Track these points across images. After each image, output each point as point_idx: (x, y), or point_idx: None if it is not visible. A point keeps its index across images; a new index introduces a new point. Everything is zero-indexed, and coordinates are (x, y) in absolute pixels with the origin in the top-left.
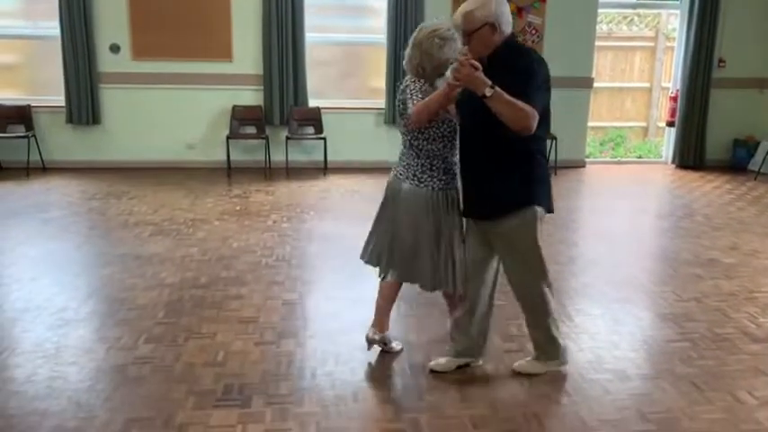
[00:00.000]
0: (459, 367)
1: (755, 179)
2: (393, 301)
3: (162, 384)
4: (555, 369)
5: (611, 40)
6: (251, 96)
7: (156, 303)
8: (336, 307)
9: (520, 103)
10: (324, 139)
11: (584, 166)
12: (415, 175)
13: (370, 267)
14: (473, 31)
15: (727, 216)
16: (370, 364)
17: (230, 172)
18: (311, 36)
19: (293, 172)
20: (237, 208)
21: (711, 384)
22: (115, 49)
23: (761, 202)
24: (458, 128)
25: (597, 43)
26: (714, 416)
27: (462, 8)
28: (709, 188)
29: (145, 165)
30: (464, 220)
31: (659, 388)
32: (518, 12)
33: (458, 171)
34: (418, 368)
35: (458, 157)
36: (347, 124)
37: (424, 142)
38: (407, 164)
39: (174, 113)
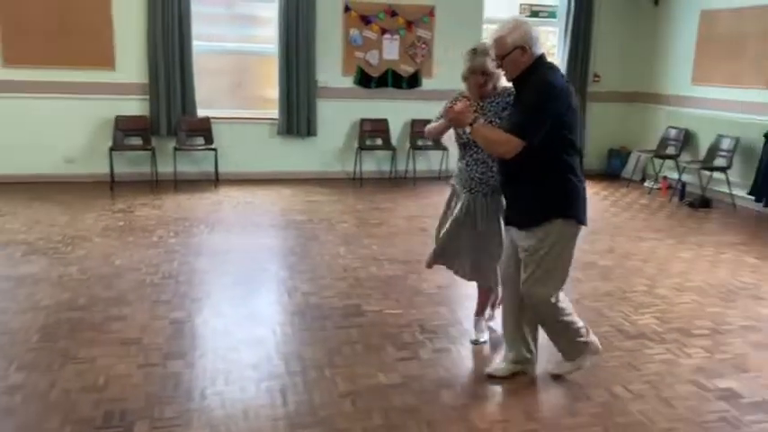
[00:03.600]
0: (513, 374)
1: (628, 186)
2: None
3: (35, 414)
4: (584, 364)
5: None
6: (136, 106)
7: (29, 327)
8: (227, 324)
9: (495, 136)
10: (214, 149)
11: None
12: None
13: (261, 283)
14: (505, 55)
15: (604, 221)
16: (261, 381)
17: (114, 185)
18: (199, 44)
19: (182, 184)
20: (121, 223)
21: (590, 381)
22: None
23: (633, 208)
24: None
25: None
26: (593, 411)
27: (494, 34)
28: (587, 195)
29: (18, 179)
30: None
31: (543, 387)
32: (408, 25)
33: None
34: (311, 383)
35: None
36: (239, 135)
37: None
38: None
39: (50, 124)
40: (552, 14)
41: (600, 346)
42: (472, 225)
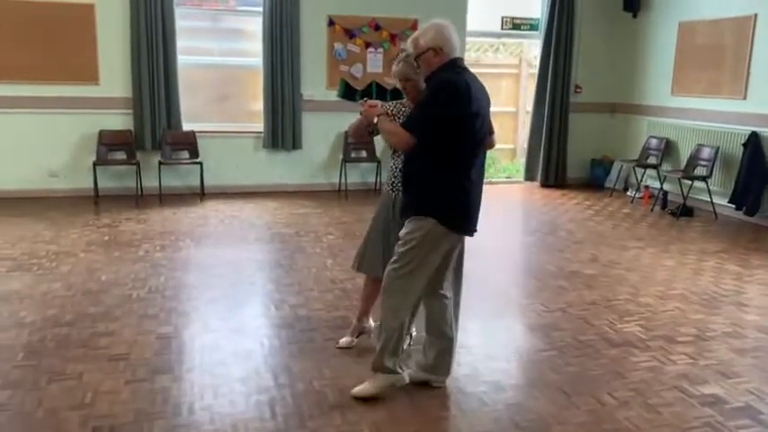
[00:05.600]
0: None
1: (611, 195)
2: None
3: None
4: (380, 385)
5: (479, 67)
6: (120, 120)
7: (13, 345)
8: (214, 338)
9: (392, 128)
10: (200, 163)
11: None
12: None
13: (248, 297)
14: (419, 54)
15: (587, 230)
16: (250, 394)
17: (98, 200)
18: (184, 58)
19: (167, 198)
20: (106, 238)
21: (577, 389)
22: None
23: (615, 217)
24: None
25: None
26: (580, 419)
27: (413, 35)
28: (570, 205)
29: (1, 194)
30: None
31: (531, 396)
32: (391, 38)
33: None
34: (300, 395)
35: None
36: (224, 148)
37: None
38: None
39: (34, 139)
40: (534, 27)
41: (406, 382)
42: (391, 219)
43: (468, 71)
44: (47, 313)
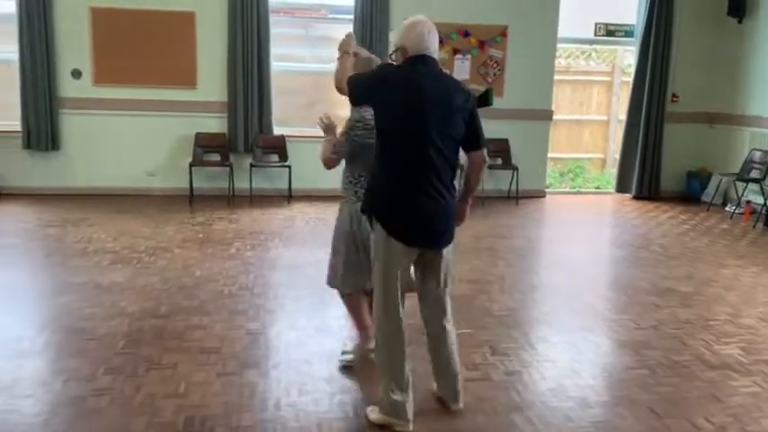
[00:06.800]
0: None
1: (708, 210)
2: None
3: (121, 417)
4: (383, 421)
5: (570, 74)
6: (215, 124)
7: (115, 333)
8: (300, 336)
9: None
10: (288, 166)
11: (544, 197)
12: None
13: (332, 298)
14: (393, 52)
15: (683, 246)
16: (334, 394)
17: (192, 199)
18: (277, 65)
19: (257, 200)
20: (200, 236)
21: (669, 411)
22: (76, 74)
23: (713, 233)
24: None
25: (556, 77)
26: None
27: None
28: (664, 218)
29: (105, 191)
30: None
31: (619, 415)
32: (480, 45)
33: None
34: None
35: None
36: (312, 152)
37: None
38: None
39: (135, 140)
40: (629, 33)
41: (410, 419)
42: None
43: (422, 66)
44: (145, 305)
